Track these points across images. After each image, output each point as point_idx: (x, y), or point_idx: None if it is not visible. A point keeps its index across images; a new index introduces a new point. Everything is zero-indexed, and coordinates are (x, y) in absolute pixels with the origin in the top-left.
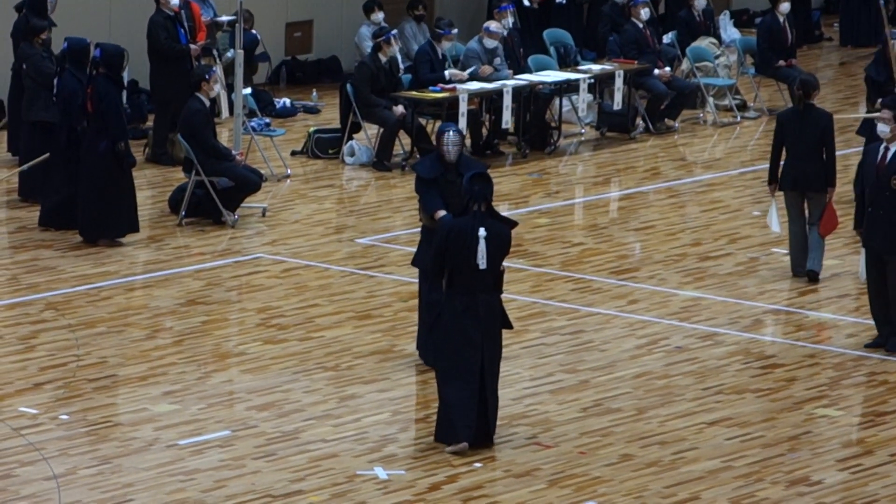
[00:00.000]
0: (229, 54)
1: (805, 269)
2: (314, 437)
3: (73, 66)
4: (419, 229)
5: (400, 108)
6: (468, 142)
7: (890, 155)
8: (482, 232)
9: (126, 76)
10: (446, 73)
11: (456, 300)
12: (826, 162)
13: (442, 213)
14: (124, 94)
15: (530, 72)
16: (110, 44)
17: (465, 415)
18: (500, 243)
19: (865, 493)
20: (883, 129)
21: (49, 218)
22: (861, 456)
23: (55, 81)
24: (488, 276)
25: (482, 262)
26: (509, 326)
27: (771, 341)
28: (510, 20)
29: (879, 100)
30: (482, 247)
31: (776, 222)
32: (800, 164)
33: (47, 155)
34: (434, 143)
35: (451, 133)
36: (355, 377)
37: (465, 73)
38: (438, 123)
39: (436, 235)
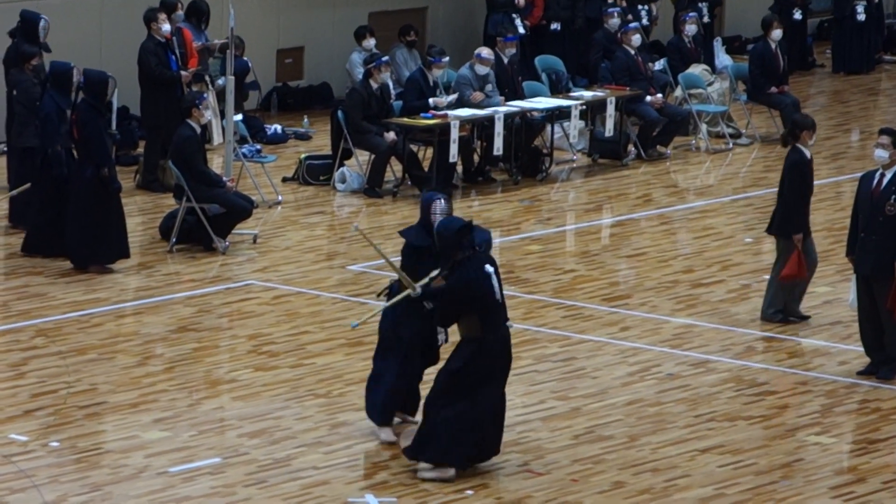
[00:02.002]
0: (220, 82)
1: (787, 314)
2: (305, 465)
3: (55, 89)
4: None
5: (391, 135)
6: (459, 168)
7: (885, 181)
8: (489, 269)
9: (116, 102)
10: (431, 101)
11: (490, 341)
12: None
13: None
14: (114, 120)
15: (522, 98)
16: (95, 70)
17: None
18: (499, 272)
19: None
20: (881, 154)
21: (31, 245)
22: (854, 483)
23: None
24: (504, 308)
25: (500, 296)
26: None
27: (763, 368)
28: (513, 51)
29: None
30: (495, 281)
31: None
32: (776, 207)
33: (28, 185)
34: (421, 210)
35: (441, 202)
36: (347, 404)
37: (445, 101)
38: (430, 150)
39: (454, 286)
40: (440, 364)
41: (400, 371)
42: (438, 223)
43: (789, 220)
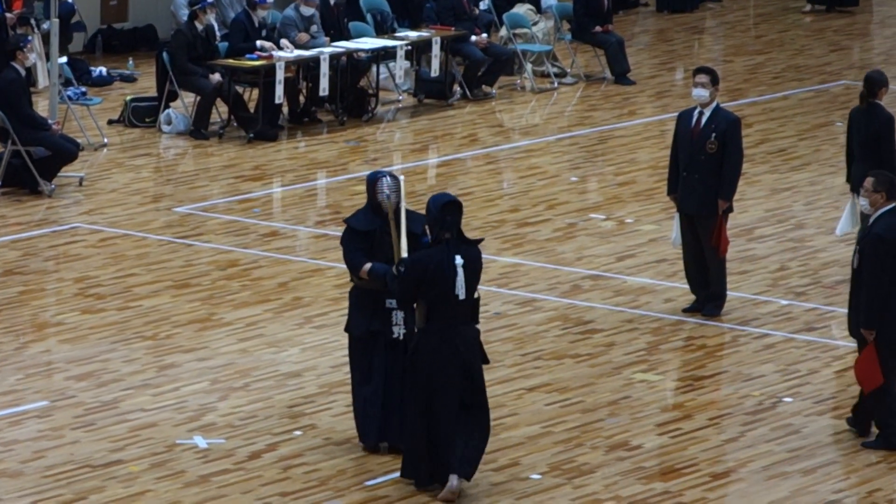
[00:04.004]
0: (46, 26)
1: None
2: (133, 407)
3: None
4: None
5: (216, 76)
6: (285, 109)
7: (704, 119)
8: (458, 260)
9: None
10: (258, 43)
11: (433, 335)
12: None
13: (368, 265)
14: None
15: (348, 39)
16: None
17: (446, 452)
18: (475, 268)
19: (684, 457)
20: (701, 93)
21: None
22: (680, 420)
23: None
24: (467, 307)
25: (461, 293)
26: (485, 361)
27: (589, 307)
28: None
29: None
30: (460, 276)
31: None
32: (856, 165)
33: None
34: (367, 191)
35: (388, 178)
36: (174, 346)
37: (276, 45)
38: (256, 91)
39: (408, 269)
40: None
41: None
42: (433, 196)
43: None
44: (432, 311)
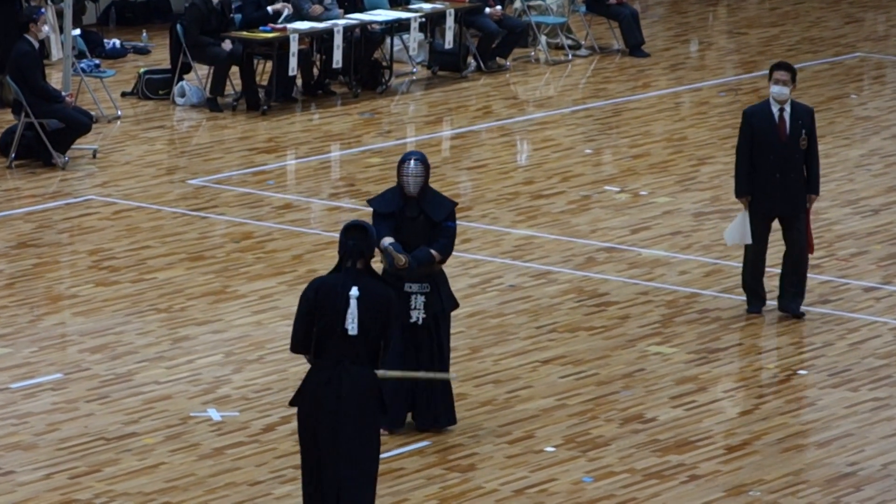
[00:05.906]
0: (62, 4)
1: None
2: (147, 380)
3: None
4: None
5: (228, 43)
6: (299, 81)
7: (788, 116)
8: (354, 292)
9: None
10: (269, 8)
11: (319, 372)
12: None
13: (387, 240)
14: None
15: (362, 11)
16: None
17: None
18: (378, 306)
19: (699, 430)
20: (782, 90)
21: None
22: (694, 393)
23: None
24: (359, 345)
25: (352, 328)
26: (384, 411)
27: (603, 279)
28: None
29: None
30: (353, 309)
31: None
32: None
33: None
34: (397, 171)
35: (412, 163)
36: (188, 318)
37: (286, 5)
38: (269, 64)
39: (302, 293)
40: None
41: None
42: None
43: None
44: (320, 344)
